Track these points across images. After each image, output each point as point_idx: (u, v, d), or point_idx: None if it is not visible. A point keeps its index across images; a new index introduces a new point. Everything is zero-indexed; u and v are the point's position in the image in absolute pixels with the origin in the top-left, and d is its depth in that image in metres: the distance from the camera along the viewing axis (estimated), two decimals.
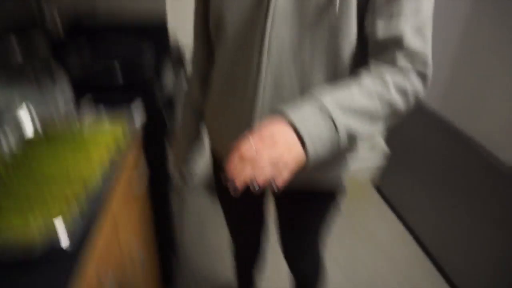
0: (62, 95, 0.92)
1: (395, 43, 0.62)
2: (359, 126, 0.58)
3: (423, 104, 1.76)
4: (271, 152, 0.50)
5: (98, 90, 1.03)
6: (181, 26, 1.57)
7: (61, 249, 0.59)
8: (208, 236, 1.87)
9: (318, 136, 0.54)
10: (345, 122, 0.56)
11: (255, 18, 0.67)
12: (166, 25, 1.60)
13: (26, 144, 0.81)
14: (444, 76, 1.71)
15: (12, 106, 0.84)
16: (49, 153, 0.79)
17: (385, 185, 2.16)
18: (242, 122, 0.74)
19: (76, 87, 0.98)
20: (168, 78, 1.27)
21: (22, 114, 0.83)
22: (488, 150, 1.40)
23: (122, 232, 0.88)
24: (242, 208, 1.06)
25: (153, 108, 1.04)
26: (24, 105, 0.85)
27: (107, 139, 0.84)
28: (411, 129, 1.90)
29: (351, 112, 0.58)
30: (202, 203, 2.11)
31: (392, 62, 0.62)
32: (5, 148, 0.77)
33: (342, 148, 0.59)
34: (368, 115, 0.59)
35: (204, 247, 1.80)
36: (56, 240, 0.59)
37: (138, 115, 0.94)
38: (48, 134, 0.84)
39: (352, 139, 0.59)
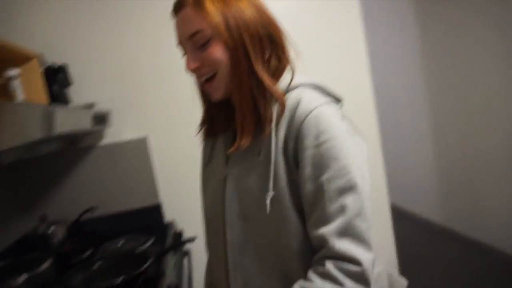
0: None
1: (322, 247, 0.68)
2: None
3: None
4: None
5: None
6: (176, 204, 1.84)
7: None
8: None
9: None
10: None
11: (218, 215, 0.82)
12: (160, 207, 1.84)
13: None
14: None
15: None
16: None
17: None
18: None
19: None
20: (171, 265, 1.36)
21: None
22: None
23: None
24: None
25: None
26: None
27: None
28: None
29: None
30: None
31: (323, 266, 0.67)
32: None
33: None
34: None
35: None
36: None
37: None
38: None
39: None
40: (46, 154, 1.63)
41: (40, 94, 1.42)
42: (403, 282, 2.09)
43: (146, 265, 1.16)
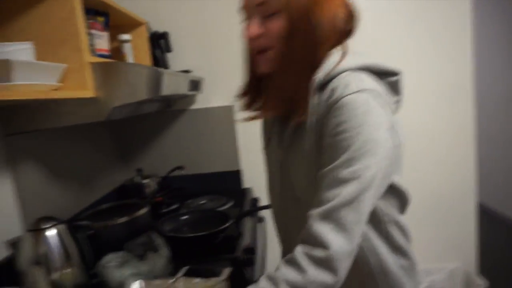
0: (162, 261, 1.08)
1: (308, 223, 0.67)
2: None
3: None
4: None
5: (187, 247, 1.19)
6: (254, 172, 1.93)
7: None
8: None
9: None
10: None
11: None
12: (239, 173, 1.96)
13: None
14: None
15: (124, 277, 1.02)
16: None
17: None
18: None
19: (173, 253, 1.14)
20: (247, 227, 1.42)
21: (130, 282, 0.98)
22: None
23: None
24: None
25: (236, 260, 1.12)
26: (131, 275, 1.02)
27: None
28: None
29: None
30: None
31: (293, 252, 0.66)
32: None
33: None
34: None
35: None
36: None
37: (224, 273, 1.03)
38: None
39: None
40: (146, 114, 1.81)
41: (146, 58, 1.56)
42: (481, 282, 1.97)
43: (227, 224, 1.26)
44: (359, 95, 0.66)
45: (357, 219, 0.64)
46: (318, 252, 0.63)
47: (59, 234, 0.97)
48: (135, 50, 1.51)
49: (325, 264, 0.62)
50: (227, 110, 1.90)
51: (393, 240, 0.78)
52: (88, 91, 1.01)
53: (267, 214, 1.68)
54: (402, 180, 0.79)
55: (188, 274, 1.03)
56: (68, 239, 0.99)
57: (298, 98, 0.72)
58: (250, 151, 1.94)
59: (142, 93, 1.06)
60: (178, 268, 1.07)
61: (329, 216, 0.64)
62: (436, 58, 1.91)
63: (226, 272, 1.01)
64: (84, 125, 1.62)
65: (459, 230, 2.05)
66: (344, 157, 0.64)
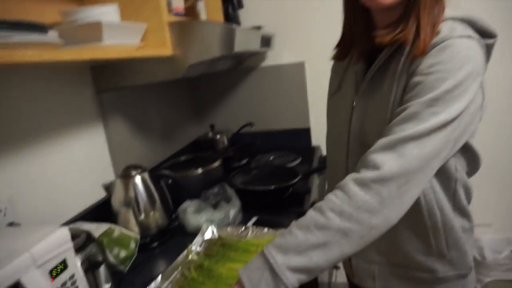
0: (233, 210, 1.14)
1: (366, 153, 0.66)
2: (307, 260, 0.61)
3: None
4: None
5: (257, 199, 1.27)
6: (322, 130, 1.78)
7: None
8: None
9: (259, 280, 0.62)
10: (286, 261, 0.61)
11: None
12: (309, 131, 1.96)
13: (206, 244, 1.02)
14: None
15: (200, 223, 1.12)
16: (224, 254, 0.95)
17: None
18: None
19: (244, 204, 1.20)
20: (315, 184, 1.45)
21: (205, 227, 1.08)
22: None
23: None
24: None
25: (302, 213, 1.14)
26: (206, 221, 1.11)
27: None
28: None
29: (292, 251, 0.61)
30: None
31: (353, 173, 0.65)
32: (194, 250, 0.99)
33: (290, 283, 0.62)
34: (313, 247, 0.61)
35: None
36: None
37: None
38: (222, 238, 1.03)
39: (310, 273, 0.62)
40: (219, 72, 1.86)
41: (218, 15, 1.58)
42: None
43: (296, 179, 1.29)
44: (465, 40, 0.65)
45: (422, 157, 0.62)
46: (368, 173, 0.62)
47: (144, 181, 1.09)
48: (208, 7, 1.53)
49: (370, 185, 0.61)
50: (298, 67, 1.88)
51: (459, 200, 0.77)
52: (167, 49, 1.07)
53: None
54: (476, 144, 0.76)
55: (258, 224, 1.10)
56: (152, 186, 1.11)
57: (425, 32, 0.67)
58: (319, 109, 1.90)
59: (216, 50, 1.09)
60: (248, 218, 1.15)
61: (394, 147, 0.62)
62: None
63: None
64: (164, 83, 1.72)
65: None
66: (429, 96, 0.62)
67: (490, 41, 0.70)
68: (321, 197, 1.50)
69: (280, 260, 0.62)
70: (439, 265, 0.78)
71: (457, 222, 0.77)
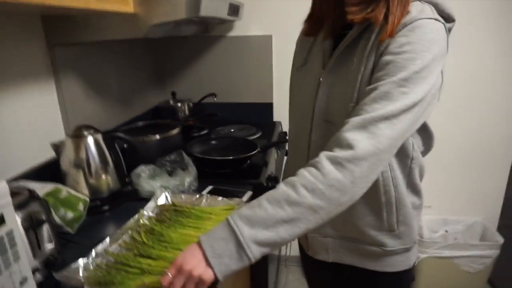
0: (189, 178, 1.13)
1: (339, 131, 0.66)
2: (274, 234, 0.62)
3: None
4: (183, 274, 0.63)
5: (213, 168, 1.27)
6: (285, 107, 1.79)
7: None
8: None
9: (222, 251, 0.62)
10: (253, 235, 0.62)
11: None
12: (272, 106, 1.95)
13: (159, 209, 1.00)
14: None
15: (153, 188, 1.09)
16: (176, 220, 0.93)
17: (497, 277, 1.95)
18: None
19: (200, 173, 1.19)
20: (273, 158, 1.47)
21: (159, 192, 1.06)
22: None
23: None
24: (324, 284, 1.06)
25: (258, 186, 1.18)
26: (160, 187, 1.09)
27: (221, 212, 0.96)
28: None
29: (260, 224, 0.62)
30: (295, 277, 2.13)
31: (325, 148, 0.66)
32: (146, 215, 0.96)
33: (253, 255, 0.62)
34: (282, 222, 0.62)
35: None
36: None
37: (247, 195, 1.09)
38: (175, 204, 1.01)
39: (274, 246, 0.64)
40: (184, 37, 1.80)
41: None
42: (498, 238, 1.98)
43: (254, 152, 1.30)
44: (433, 22, 0.67)
45: (392, 137, 0.64)
46: (342, 153, 0.63)
47: (97, 142, 1.05)
48: None
49: (343, 164, 0.62)
50: (265, 40, 1.85)
51: (413, 178, 0.80)
52: (128, 6, 1.01)
53: None
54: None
55: (212, 193, 1.10)
56: (105, 148, 1.07)
57: (395, 13, 0.68)
58: (284, 85, 1.90)
59: (181, 12, 1.05)
60: (203, 187, 1.14)
61: (366, 126, 0.63)
62: None
63: (248, 194, 1.07)
64: (124, 42, 1.64)
65: (488, 185, 2.02)
66: (400, 75, 0.64)
67: (450, 25, 0.73)
68: (278, 171, 1.52)
69: (246, 232, 0.61)
70: (388, 239, 0.82)
71: (408, 198, 0.81)
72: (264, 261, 1.27)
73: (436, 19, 0.67)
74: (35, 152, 1.10)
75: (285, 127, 1.91)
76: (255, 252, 0.62)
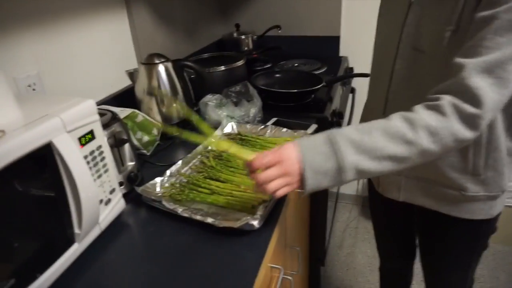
0: (254, 109, 1.14)
1: (455, 74, 0.58)
2: (377, 166, 0.58)
3: None
4: (276, 167, 0.59)
5: (277, 101, 1.27)
6: (352, 41, 1.81)
7: (255, 230, 0.68)
8: (355, 250, 1.87)
9: (319, 167, 0.58)
10: (356, 161, 0.57)
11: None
12: (338, 40, 1.84)
13: (225, 139, 1.03)
14: None
15: (220, 118, 1.12)
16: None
17: None
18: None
19: (264, 105, 1.19)
20: (339, 94, 1.43)
21: (225, 122, 1.11)
22: None
23: (289, 231, 0.96)
24: (392, 225, 1.05)
25: (323, 119, 1.17)
26: (227, 116, 1.12)
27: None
28: None
29: (366, 153, 0.57)
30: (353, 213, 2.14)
31: (438, 100, 0.58)
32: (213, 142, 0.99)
33: (346, 180, 0.60)
34: (390, 157, 0.58)
35: (349, 262, 1.79)
36: (251, 223, 0.68)
37: (311, 128, 1.07)
38: (241, 133, 1.05)
39: (365, 176, 0.60)
40: None
41: None
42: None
43: (320, 86, 1.26)
44: None
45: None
46: (469, 108, 0.56)
47: (167, 70, 1.08)
48: None
49: (472, 121, 0.57)
50: None
51: None
52: None
53: (359, 87, 1.64)
54: None
55: (277, 124, 1.11)
56: (175, 76, 1.10)
57: None
58: (353, 16, 1.78)
59: None
60: (268, 119, 1.15)
61: (492, 70, 0.55)
62: None
63: (313, 127, 1.06)
64: None
65: None
66: None
67: None
68: (343, 107, 1.48)
69: (350, 157, 0.57)
70: (470, 184, 0.75)
71: (505, 143, 0.73)
72: (324, 196, 1.30)
73: None
74: (113, 80, 1.17)
75: (352, 63, 1.82)
76: (349, 177, 0.59)
